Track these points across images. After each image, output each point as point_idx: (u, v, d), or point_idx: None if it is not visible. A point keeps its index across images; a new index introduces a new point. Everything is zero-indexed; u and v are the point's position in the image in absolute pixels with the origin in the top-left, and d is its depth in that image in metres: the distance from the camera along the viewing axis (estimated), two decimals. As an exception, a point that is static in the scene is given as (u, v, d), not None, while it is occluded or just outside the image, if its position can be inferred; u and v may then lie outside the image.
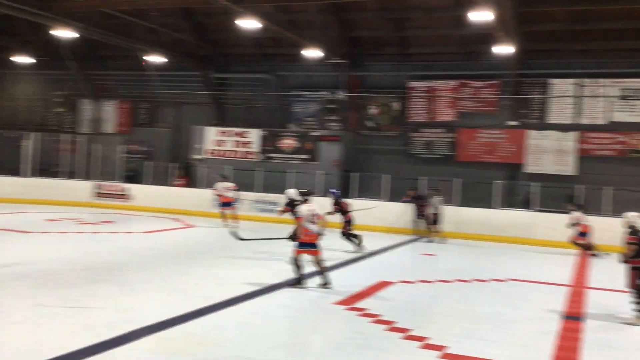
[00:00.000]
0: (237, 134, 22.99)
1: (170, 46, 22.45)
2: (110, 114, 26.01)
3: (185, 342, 6.74)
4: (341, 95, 23.13)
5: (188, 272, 10.86)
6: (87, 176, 23.16)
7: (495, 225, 18.34)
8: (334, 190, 15.48)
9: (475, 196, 19.26)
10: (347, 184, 20.77)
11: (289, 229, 12.54)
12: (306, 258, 9.98)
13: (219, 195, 17.78)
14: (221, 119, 24.50)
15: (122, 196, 22.03)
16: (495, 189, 19.27)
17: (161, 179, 22.59)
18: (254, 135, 22.76)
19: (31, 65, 24.91)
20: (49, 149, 23.99)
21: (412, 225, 18.50)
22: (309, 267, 10.17)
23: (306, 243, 9.82)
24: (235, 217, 17.48)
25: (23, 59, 23.77)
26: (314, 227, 9.85)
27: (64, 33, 18.41)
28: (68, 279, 9.65)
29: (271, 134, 22.63)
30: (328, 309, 8.58)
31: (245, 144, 22.87)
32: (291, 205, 12.77)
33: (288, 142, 22.37)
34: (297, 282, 9.86)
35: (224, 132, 23.14)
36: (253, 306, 8.61)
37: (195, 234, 16.73)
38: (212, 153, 23.07)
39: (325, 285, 9.92)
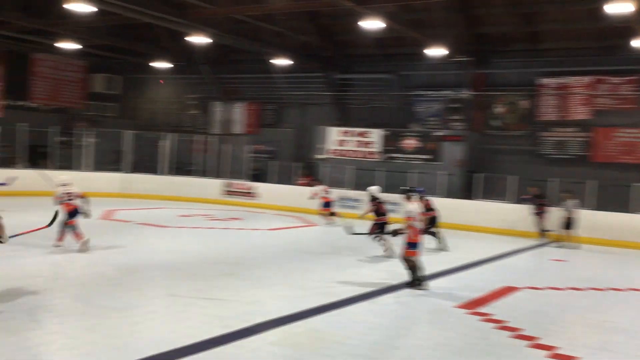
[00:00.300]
0: (359, 134, 23.14)
1: (295, 49, 23.05)
2: (239, 115, 27.17)
3: (308, 337, 6.90)
4: (465, 93, 22.57)
5: (310, 269, 11.10)
6: (217, 175, 24.35)
7: (634, 231, 17.06)
8: (419, 188, 15.19)
9: (612, 199, 18.01)
10: (470, 185, 20.23)
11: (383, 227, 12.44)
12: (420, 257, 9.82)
13: (321, 197, 18.47)
14: (343, 119, 24.78)
15: (249, 194, 22.93)
16: (634, 192, 17.93)
17: (285, 178, 23.24)
18: (375, 135, 22.79)
19: (168, 70, 26.61)
20: (184, 148, 25.49)
21: (536, 228, 17.56)
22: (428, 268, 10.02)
23: (416, 243, 9.60)
24: (334, 215, 18.12)
25: (161, 65, 25.45)
26: (420, 226, 9.69)
27: (198, 39, 19.46)
28: (199, 272, 10.20)
29: (393, 134, 22.55)
30: (450, 313, 8.42)
31: (366, 144, 22.97)
32: (374, 201, 13.12)
33: (410, 142, 22.18)
34: (416, 282, 9.72)
35: (346, 132, 23.38)
36: (374, 305, 8.63)
37: (317, 232, 17.06)
38: (334, 153, 23.39)
39: (418, 285, 9.67)
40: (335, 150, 23.46)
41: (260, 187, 22.83)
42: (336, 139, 23.49)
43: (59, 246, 11.49)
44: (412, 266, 9.63)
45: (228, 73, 26.88)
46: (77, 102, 26.91)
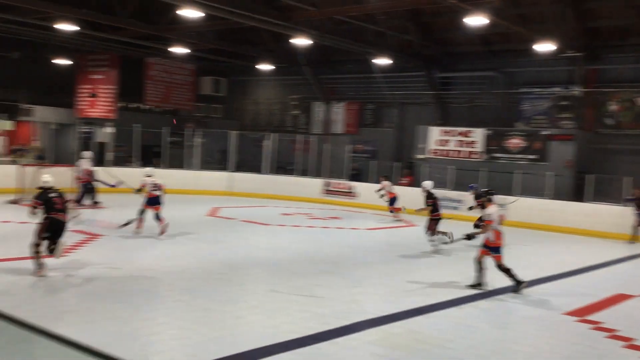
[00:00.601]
0: (461, 134, 22.63)
1: (396, 48, 22.91)
2: (339, 115, 27.39)
3: (407, 338, 6.85)
4: (576, 90, 21.47)
5: (409, 269, 11.00)
6: (318, 174, 24.67)
7: None
8: (474, 185, 15.24)
9: None
10: (581, 186, 19.23)
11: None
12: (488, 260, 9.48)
13: (388, 193, 18.71)
14: (444, 119, 24.33)
15: (348, 194, 23.05)
16: None
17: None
18: (478, 135, 22.20)
19: (271, 72, 27.29)
20: (285, 148, 26.04)
21: (632, 231, 16.39)
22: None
23: (497, 247, 9.32)
24: (398, 211, 18.40)
25: (265, 67, 26.14)
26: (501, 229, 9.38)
27: (300, 41, 19.82)
28: (299, 269, 10.39)
29: (497, 133, 21.86)
30: (557, 319, 8.06)
31: (469, 143, 22.43)
32: (430, 197, 13.20)
33: (515, 142, 21.42)
34: (519, 285, 9.41)
35: (447, 132, 22.95)
36: (475, 309, 8.43)
37: (417, 232, 16.86)
38: (435, 152, 23.03)
39: (478, 286, 9.41)
40: (436, 150, 23.10)
41: (360, 186, 22.89)
42: (437, 139, 23.12)
43: (138, 233, 12.88)
44: (505, 270, 9.34)
45: (329, 73, 27.17)
46: (186, 104, 28.18)
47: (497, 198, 14.72)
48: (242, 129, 27.65)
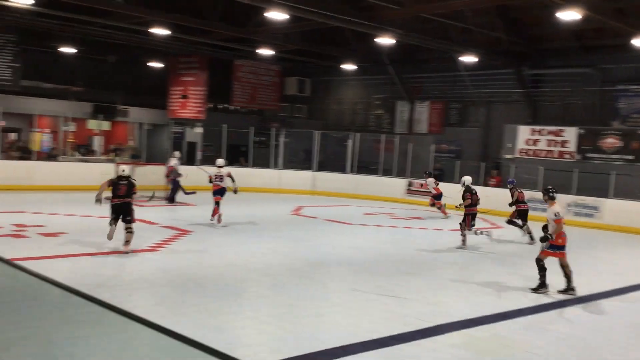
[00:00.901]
0: (552, 133, 21.79)
1: (483, 45, 22.36)
2: (423, 114, 27.06)
3: (492, 342, 6.70)
4: (678, 87, 20.18)
5: (494, 272, 10.73)
6: (401, 174, 24.48)
7: None
8: (513, 180, 15.89)
9: None
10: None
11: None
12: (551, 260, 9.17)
13: (434, 188, 19.01)
14: (534, 117, 23.51)
15: (432, 193, 22.71)
16: None
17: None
18: (570, 134, 21.30)
19: (355, 72, 27.33)
20: (369, 148, 25.99)
21: None
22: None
23: (560, 246, 9.06)
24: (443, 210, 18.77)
25: (349, 66, 26.22)
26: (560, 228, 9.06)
27: (385, 40, 19.74)
28: (381, 269, 10.37)
29: (590, 133, 20.89)
30: (654, 329, 7.63)
31: (560, 143, 21.56)
32: (468, 192, 13.16)
33: (610, 141, 20.39)
34: (542, 286, 9.16)
35: (537, 131, 22.16)
36: (563, 314, 8.11)
37: (503, 234, 16.41)
38: (524, 152, 22.30)
39: (568, 291, 9.03)
40: (525, 149, 22.36)
41: (443, 187, 22.50)
42: (526, 138, 22.37)
43: (212, 221, 14.06)
44: (545, 268, 9.11)
45: (413, 72, 26.89)
46: (271, 104, 28.72)
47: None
48: (325, 128, 27.85)
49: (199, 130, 26.39)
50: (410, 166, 24.00)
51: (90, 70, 24.85)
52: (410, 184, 23.41)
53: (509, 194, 15.09)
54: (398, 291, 8.72)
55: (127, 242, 10.29)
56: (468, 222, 13.10)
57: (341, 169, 24.93)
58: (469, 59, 22.16)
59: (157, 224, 13.87)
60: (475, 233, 13.72)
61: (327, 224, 16.02)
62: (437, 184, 19.17)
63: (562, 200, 18.61)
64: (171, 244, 11.47)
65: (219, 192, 14.22)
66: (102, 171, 19.05)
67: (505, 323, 7.48)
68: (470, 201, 13.08)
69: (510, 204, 14.63)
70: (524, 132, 22.48)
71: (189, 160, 24.51)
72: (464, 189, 13.33)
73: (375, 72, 27.41)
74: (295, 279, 9.21)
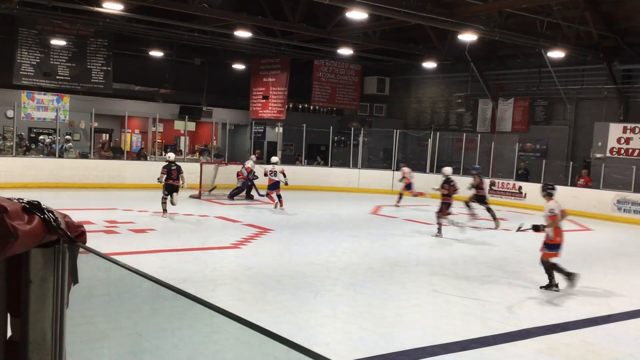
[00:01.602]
0: (646, 131, 20.66)
1: (571, 40, 21.49)
2: (507, 112, 26.33)
3: (579, 349, 6.45)
4: None
5: (587, 278, 10.31)
6: (483, 174, 23.91)
7: None
8: (478, 167, 18.03)
9: None
10: None
11: None
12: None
13: (406, 179, 20.01)
14: (626, 115, 22.35)
15: (516, 194, 22.08)
16: None
17: (557, 178, 21.81)
18: (667, 132, 20.11)
19: (435, 70, 26.94)
20: (449, 147, 25.56)
21: None
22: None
23: (558, 244, 9.03)
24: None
25: (429, 64, 25.89)
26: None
27: (467, 37, 19.35)
28: (463, 271, 10.18)
29: (689, 130, 19.64)
30: None
31: (655, 141, 20.39)
32: (447, 183, 14.08)
33: None
34: (553, 286, 8.98)
35: (629, 129, 21.07)
36: (659, 323, 7.69)
37: (594, 237, 15.72)
38: (615, 151, 21.26)
39: (556, 288, 8.94)
40: (616, 148, 21.31)
41: (528, 187, 21.83)
42: (617, 136, 21.31)
43: (276, 208, 16.56)
44: (549, 268, 8.94)
45: (496, 69, 26.21)
46: (351, 104, 28.80)
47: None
48: (405, 127, 27.64)
49: (279, 130, 26.84)
50: (493, 166, 23.42)
51: (177, 72, 25.80)
52: (492, 184, 22.84)
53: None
54: (479, 293, 8.55)
55: (175, 200, 14.22)
56: (444, 210, 13.89)
57: (421, 169, 24.65)
58: (556, 54, 21.35)
59: (239, 221, 14.22)
60: (453, 223, 14.38)
61: (406, 223, 15.89)
62: (411, 174, 20.40)
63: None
64: (252, 241, 11.73)
65: (273, 186, 16.88)
66: (188, 170, 19.71)
67: (593, 329, 7.17)
68: (447, 192, 14.01)
69: (469, 188, 16.25)
70: (615, 130, 21.43)
71: (268, 159, 25.00)
72: (444, 179, 14.29)
73: (457, 69, 26.92)
74: (374, 278, 9.20)
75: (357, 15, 16.98)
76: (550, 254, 9.08)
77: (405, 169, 20.48)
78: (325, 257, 10.68)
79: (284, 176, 17.03)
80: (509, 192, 22.27)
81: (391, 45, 24.21)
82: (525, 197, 21.79)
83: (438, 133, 25.25)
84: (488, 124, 26.80)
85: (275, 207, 16.80)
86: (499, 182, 22.67)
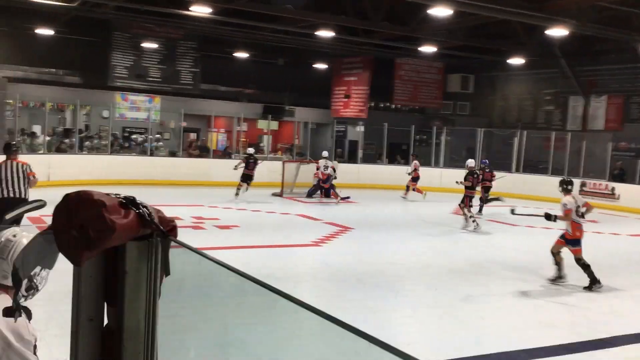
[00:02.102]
0: None
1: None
2: (599, 110, 25.13)
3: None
4: None
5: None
6: (572, 174, 22.95)
7: None
8: (486, 161, 19.17)
9: None
10: None
11: None
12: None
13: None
14: None
15: (609, 195, 21.04)
16: None
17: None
18: None
19: (522, 66, 26.06)
20: (536, 145, 24.68)
21: None
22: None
23: (575, 240, 8.86)
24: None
25: (516, 61, 25.08)
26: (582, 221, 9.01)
27: (556, 31, 18.63)
28: (550, 274, 9.82)
29: None
30: None
31: None
32: (471, 175, 14.68)
33: None
34: (559, 279, 8.98)
35: None
36: None
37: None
38: None
39: (592, 286, 8.66)
40: None
41: (623, 188, 20.76)
42: None
43: (339, 202, 17.60)
44: (585, 266, 8.79)
45: (588, 65, 25.06)
46: (433, 102, 28.38)
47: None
48: (490, 126, 26.94)
49: (360, 129, 26.84)
50: (584, 165, 22.43)
51: (261, 73, 26.33)
52: (583, 184, 21.89)
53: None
54: (568, 298, 8.22)
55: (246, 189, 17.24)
56: (467, 203, 14.29)
57: (506, 168, 23.95)
58: (654, 48, 20.17)
59: (320, 220, 14.35)
60: (471, 218, 14.30)
61: (489, 224, 15.50)
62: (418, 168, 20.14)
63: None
64: (333, 239, 11.81)
65: (327, 180, 18.15)
66: (270, 168, 20.10)
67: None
68: (471, 184, 14.48)
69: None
70: None
71: (350, 158, 25.05)
72: (467, 171, 14.82)
73: (545, 65, 25.94)
74: (455, 279, 9.05)
75: (441, 12, 16.72)
76: (576, 250, 8.95)
77: (416, 162, 20.34)
78: (405, 256, 10.60)
79: (334, 171, 18.40)
80: (601, 193, 21.27)
81: (476, 42, 23.66)
82: (618, 198, 20.74)
83: (525, 132, 24.43)
84: (579, 122, 25.69)
85: (337, 200, 17.79)
86: (590, 183, 21.69)
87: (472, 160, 15.76)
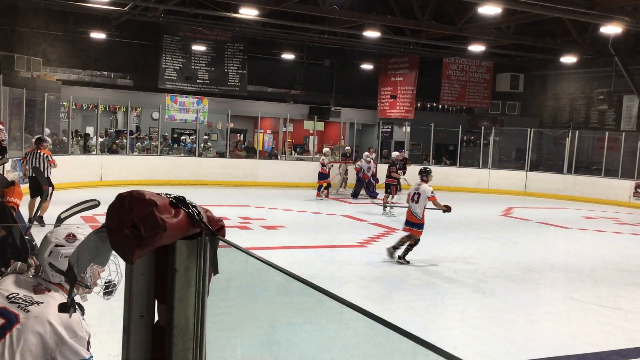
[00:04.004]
0: None
1: None
2: (655, 109, 24.26)
3: None
4: None
5: None
6: (628, 175, 22.23)
7: None
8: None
9: None
10: None
11: None
12: None
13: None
14: None
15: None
16: None
17: None
18: None
19: (574, 65, 25.39)
20: (589, 146, 24.03)
21: None
22: None
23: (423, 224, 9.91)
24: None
25: (568, 59, 24.46)
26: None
27: (610, 29, 18.10)
28: (603, 278, 9.56)
29: None
30: None
31: None
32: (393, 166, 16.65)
33: None
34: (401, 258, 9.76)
35: None
36: None
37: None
38: None
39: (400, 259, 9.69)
40: None
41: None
42: None
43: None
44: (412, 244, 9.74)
45: (642, 63, 24.25)
46: (482, 102, 27.95)
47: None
48: (540, 126, 26.36)
49: (406, 129, 26.65)
50: (639, 166, 21.71)
51: (306, 74, 26.44)
52: (638, 186, 21.18)
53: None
54: (622, 303, 7.98)
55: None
56: (393, 191, 16.11)
57: (557, 169, 23.41)
58: None
59: (366, 221, 14.32)
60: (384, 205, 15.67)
61: (540, 226, 15.17)
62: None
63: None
64: (379, 240, 11.76)
65: (323, 176, 18.38)
66: (316, 169, 20.14)
67: None
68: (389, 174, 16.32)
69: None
70: None
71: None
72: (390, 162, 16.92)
73: (599, 64, 25.22)
74: (504, 282, 8.88)
75: (489, 10, 16.47)
76: (420, 232, 9.90)
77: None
78: (453, 258, 10.47)
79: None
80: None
81: (526, 40, 23.20)
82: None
83: (577, 132, 23.80)
84: (634, 122, 24.88)
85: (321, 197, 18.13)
86: (645, 185, 20.95)
87: (395, 153, 18.42)
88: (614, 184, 21.81)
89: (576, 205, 20.28)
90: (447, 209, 9.94)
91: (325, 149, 20.18)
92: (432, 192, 9.85)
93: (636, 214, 18.92)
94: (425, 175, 10.14)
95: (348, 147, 22.40)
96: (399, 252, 9.81)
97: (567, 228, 15.04)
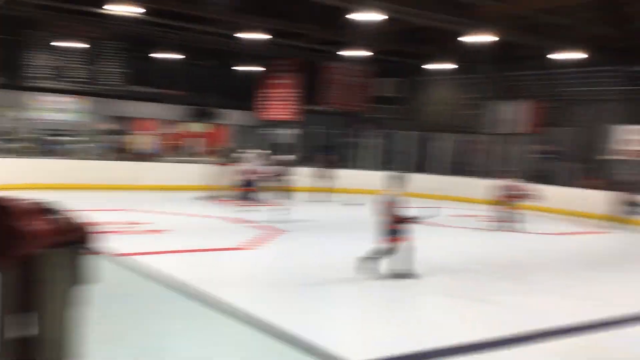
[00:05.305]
0: (660, 133, 20.46)
1: (584, 41, 21.31)
2: (520, 114, 26.12)
3: (595, 353, 6.38)
4: None
5: (593, 278, 10.24)
6: (495, 176, 23.70)
7: None
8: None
9: None
10: None
11: None
12: None
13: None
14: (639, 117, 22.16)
15: (529, 196, 21.86)
16: None
17: (570, 180, 21.65)
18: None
19: (450, 71, 26.65)
20: (462, 149, 25.41)
21: None
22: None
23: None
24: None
25: (444, 66, 25.59)
26: None
27: (480, 38, 19.21)
28: (473, 274, 10.12)
29: None
30: None
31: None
32: None
33: None
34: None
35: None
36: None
37: (608, 239, 15.59)
38: (629, 153, 21.06)
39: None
40: (628, 150, 21.13)
41: (542, 189, 21.65)
42: (629, 139, 21.13)
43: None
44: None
45: (509, 71, 26.04)
46: (363, 106, 28.69)
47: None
48: (419, 129, 27.55)
49: (291, 131, 26.85)
50: (505, 168, 23.27)
51: (188, 74, 25.90)
52: (506, 187, 22.67)
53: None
54: (492, 297, 8.49)
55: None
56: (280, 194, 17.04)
57: (434, 170, 24.57)
58: (569, 55, 21.19)
59: (253, 222, 14.24)
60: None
61: (415, 225, 15.77)
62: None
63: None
64: (266, 242, 11.73)
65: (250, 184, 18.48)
66: (199, 172, 19.80)
67: (606, 333, 7.10)
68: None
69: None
70: (628, 133, 21.27)
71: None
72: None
73: (470, 71, 26.78)
74: (388, 279, 9.15)
75: (368, 16, 16.93)
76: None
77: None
78: (340, 258, 10.63)
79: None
80: (523, 194, 22.04)
81: (403, 47, 24.16)
82: (540, 199, 21.61)
83: (451, 135, 25.12)
84: (502, 126, 26.65)
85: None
86: (511, 185, 22.46)
87: (278, 156, 19.79)
88: (484, 184, 23.13)
89: (449, 205, 21.33)
90: None
91: (249, 154, 19.78)
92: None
93: (504, 212, 20.22)
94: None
95: (236, 150, 22.19)
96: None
97: (443, 226, 15.76)
